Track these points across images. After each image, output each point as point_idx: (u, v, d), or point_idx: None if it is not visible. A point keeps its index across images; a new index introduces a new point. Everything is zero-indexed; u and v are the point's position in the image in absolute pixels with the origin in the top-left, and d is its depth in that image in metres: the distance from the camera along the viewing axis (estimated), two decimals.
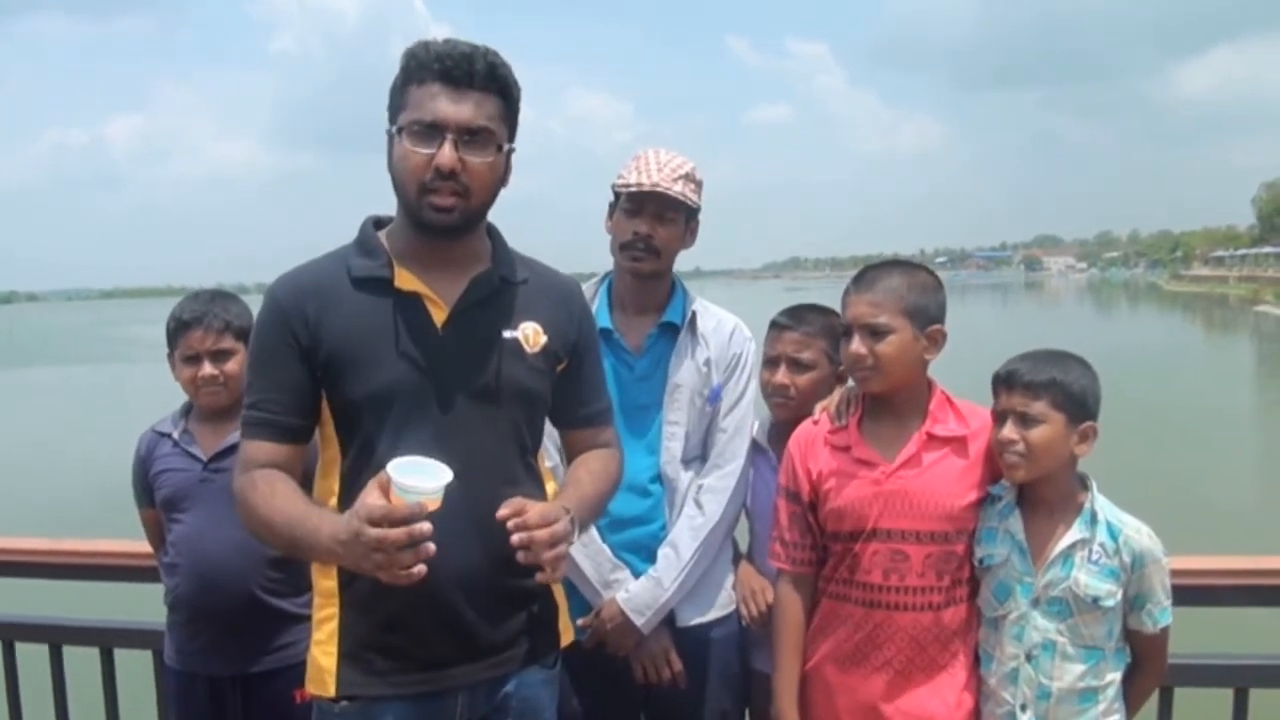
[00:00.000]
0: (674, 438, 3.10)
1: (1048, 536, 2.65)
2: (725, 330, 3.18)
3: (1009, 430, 2.61)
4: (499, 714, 2.42)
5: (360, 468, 2.29)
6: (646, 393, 3.09)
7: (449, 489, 2.03)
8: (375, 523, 1.97)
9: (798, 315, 3.14)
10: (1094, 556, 2.60)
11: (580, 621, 2.91)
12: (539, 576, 2.16)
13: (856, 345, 2.69)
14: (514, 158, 2.38)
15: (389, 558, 1.97)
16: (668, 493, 3.12)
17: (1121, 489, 2.76)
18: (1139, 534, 2.62)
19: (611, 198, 3.13)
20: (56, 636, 3.84)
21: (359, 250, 2.37)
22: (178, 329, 3.22)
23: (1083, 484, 2.69)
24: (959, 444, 2.74)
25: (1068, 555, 2.62)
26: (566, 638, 2.57)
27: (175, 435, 3.26)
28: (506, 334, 2.37)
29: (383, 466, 2.16)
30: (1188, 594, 2.96)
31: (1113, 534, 2.61)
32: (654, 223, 3.03)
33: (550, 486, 2.53)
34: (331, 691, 2.32)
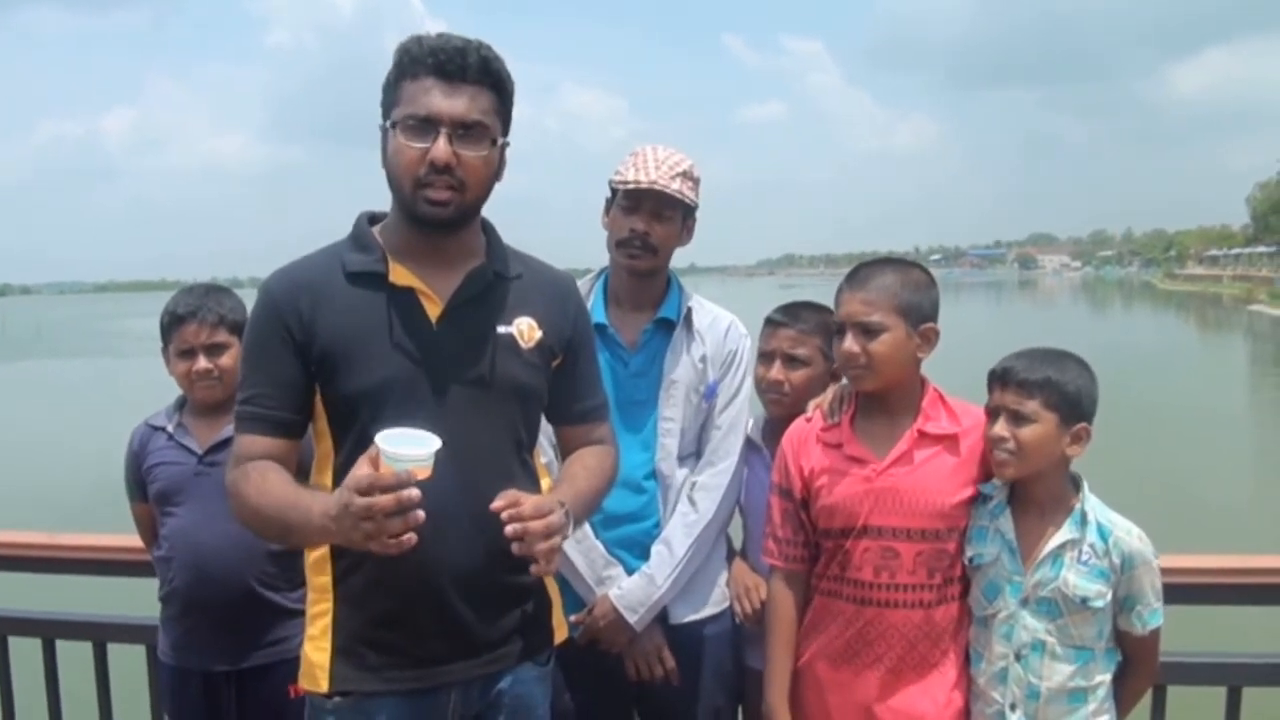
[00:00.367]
0: (669, 434, 3.10)
1: (1038, 536, 2.64)
2: (721, 327, 3.18)
3: (1000, 427, 2.61)
4: (492, 711, 2.42)
5: (354, 463, 2.28)
6: (641, 389, 3.09)
7: (438, 457, 2.01)
8: (363, 491, 1.94)
9: (793, 312, 3.14)
10: (1083, 557, 2.60)
11: (573, 618, 2.91)
12: (533, 569, 2.15)
13: (849, 343, 2.69)
14: (508, 153, 2.38)
15: (378, 525, 1.94)
16: (662, 489, 3.12)
17: (1114, 488, 2.77)
18: (1129, 535, 2.62)
19: (608, 193, 3.13)
20: (49, 631, 3.83)
21: (353, 245, 2.37)
22: (172, 323, 3.23)
23: (1075, 484, 2.68)
24: (951, 442, 2.74)
25: (1057, 555, 2.61)
26: (560, 635, 2.57)
27: (169, 429, 3.26)
28: (501, 329, 2.37)
29: None
30: (1181, 592, 2.97)
31: (1103, 535, 2.61)
32: (651, 220, 3.03)
33: (545, 483, 2.52)
34: (325, 687, 2.32)
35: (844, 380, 2.88)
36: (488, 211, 2.42)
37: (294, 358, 2.29)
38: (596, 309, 3.08)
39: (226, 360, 3.17)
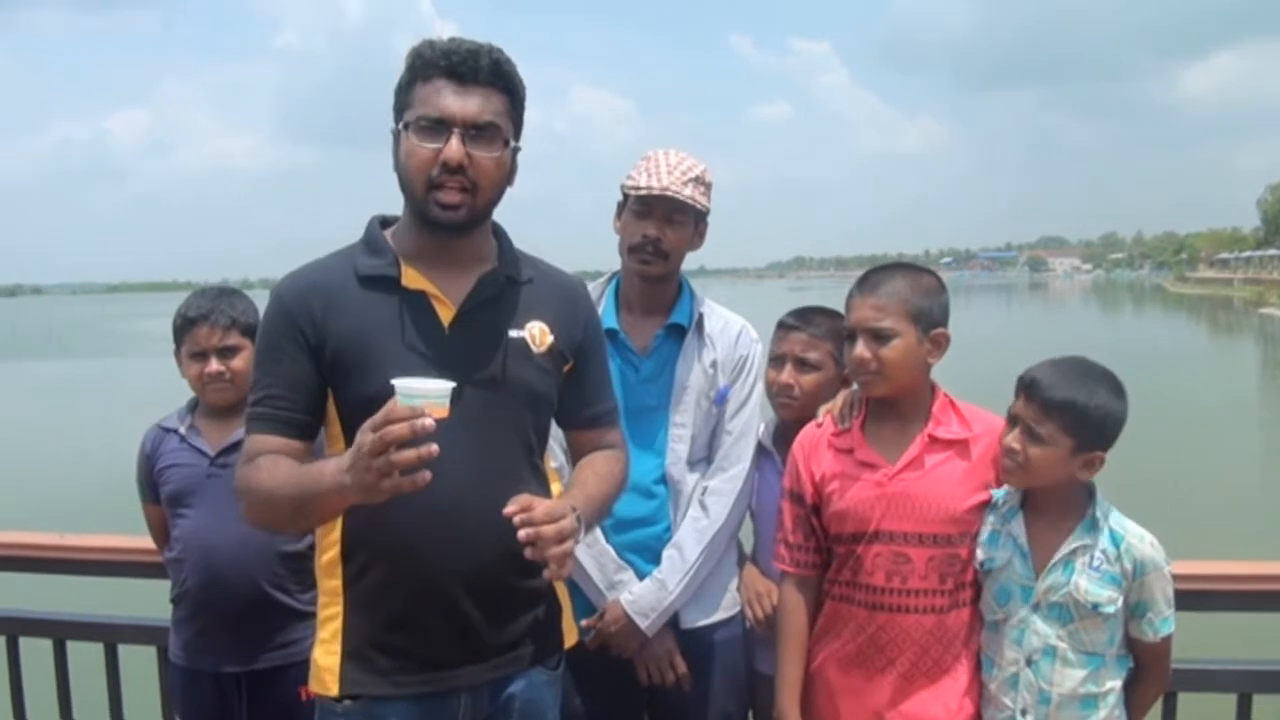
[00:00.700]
0: (680, 439, 3.10)
1: (1050, 541, 2.63)
2: (732, 332, 3.18)
3: (1013, 439, 2.59)
4: (502, 715, 2.42)
5: None
6: (652, 394, 3.09)
7: (453, 405, 1.98)
8: (377, 426, 1.91)
9: (805, 316, 3.14)
10: (1095, 562, 2.58)
11: (584, 623, 2.91)
12: (546, 573, 2.14)
13: (860, 349, 2.68)
14: (519, 157, 2.38)
15: (390, 460, 1.90)
16: (672, 494, 3.12)
17: (1124, 491, 2.75)
18: (1141, 542, 2.60)
19: (620, 197, 3.13)
20: (60, 632, 3.84)
21: (365, 249, 2.37)
22: (184, 326, 3.24)
23: (1088, 490, 2.66)
24: (961, 446, 2.73)
25: (1068, 560, 2.60)
26: (570, 639, 2.57)
27: (181, 430, 3.27)
28: (513, 333, 2.37)
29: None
30: (1192, 599, 2.96)
31: (1115, 541, 2.59)
32: (663, 226, 3.03)
33: (555, 487, 2.52)
34: (334, 691, 2.32)
35: (854, 386, 2.88)
36: (497, 214, 2.42)
37: (306, 360, 2.29)
38: (608, 314, 3.08)
39: (238, 363, 3.17)
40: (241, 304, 3.27)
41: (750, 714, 3.25)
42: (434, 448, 1.91)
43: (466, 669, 2.33)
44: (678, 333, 3.13)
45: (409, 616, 2.27)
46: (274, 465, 2.24)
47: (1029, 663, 2.62)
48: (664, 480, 3.11)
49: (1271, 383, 33.78)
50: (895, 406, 2.76)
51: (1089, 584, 2.57)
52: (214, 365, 3.19)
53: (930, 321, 2.70)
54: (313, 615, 2.44)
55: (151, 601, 3.76)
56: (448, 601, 2.24)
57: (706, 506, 3.08)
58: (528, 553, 2.10)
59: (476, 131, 2.23)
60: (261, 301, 2.58)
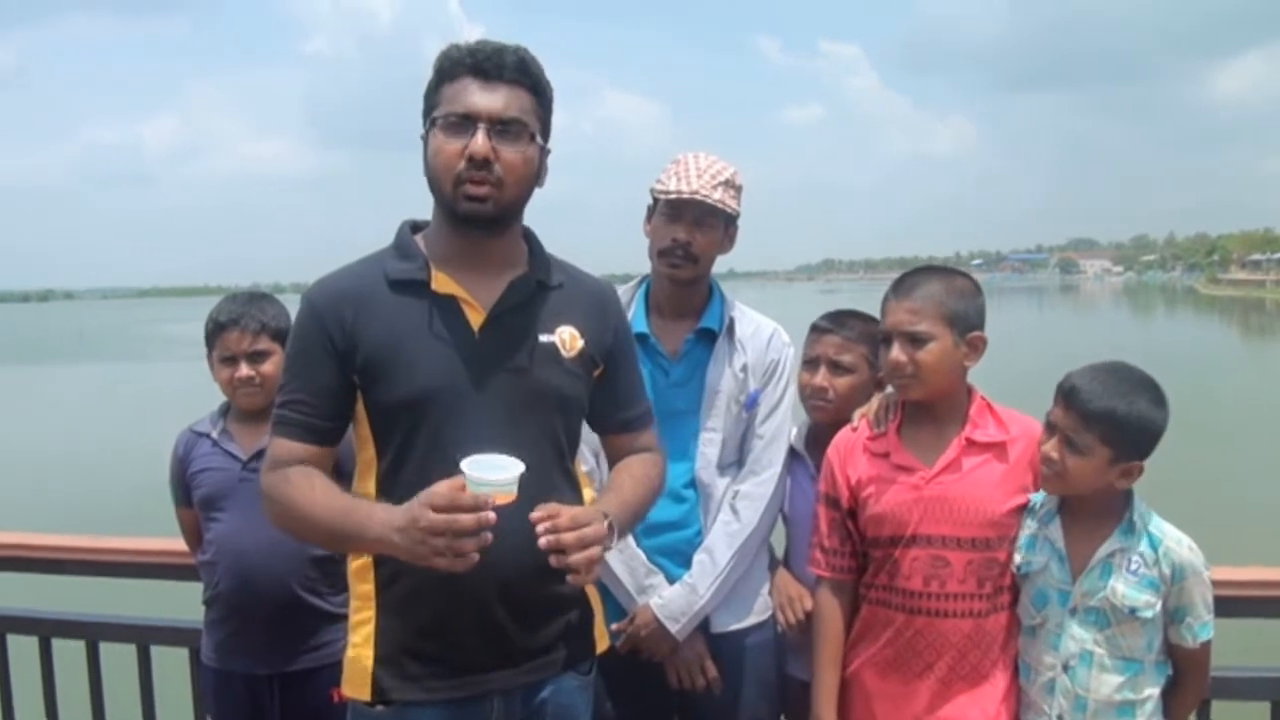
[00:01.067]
0: (710, 444, 3.09)
1: (1087, 545, 2.60)
2: (763, 336, 3.16)
3: (1051, 448, 2.57)
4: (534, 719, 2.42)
5: (397, 470, 2.30)
6: (683, 398, 3.07)
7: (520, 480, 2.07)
8: (440, 508, 1.99)
9: (839, 320, 3.12)
10: (1132, 566, 2.56)
11: (614, 627, 2.90)
12: (570, 578, 2.14)
13: (896, 353, 2.67)
14: (549, 160, 2.39)
15: (450, 543, 1.99)
16: (703, 499, 3.10)
17: (1159, 495, 2.72)
18: (1179, 545, 2.57)
19: (650, 201, 3.12)
20: (93, 633, 3.86)
21: (396, 253, 2.37)
22: (215, 330, 3.25)
23: (1126, 493, 2.63)
24: (999, 449, 2.71)
25: (1106, 565, 2.58)
26: (602, 644, 2.56)
27: (214, 435, 3.29)
28: (543, 338, 2.36)
29: (420, 470, 2.22)
30: (1227, 605, 2.93)
31: (1153, 544, 2.57)
32: (692, 229, 3.01)
33: (587, 491, 2.52)
34: (367, 695, 2.32)
35: (888, 389, 2.87)
36: (527, 217, 2.43)
37: (335, 367, 2.29)
38: (638, 318, 3.06)
39: (269, 367, 3.18)
40: (272, 309, 3.28)
41: (782, 718, 3.24)
42: (489, 537, 2.02)
43: (498, 674, 2.33)
44: (708, 337, 3.12)
45: (441, 622, 2.27)
46: (309, 484, 2.26)
47: (1066, 668, 2.60)
48: (694, 484, 3.09)
49: None
50: (931, 409, 2.75)
51: (1126, 588, 2.55)
52: (244, 370, 3.20)
53: (966, 325, 2.69)
54: (345, 618, 2.44)
55: (183, 603, 3.78)
56: (480, 607, 2.23)
57: (738, 511, 3.06)
58: (552, 560, 2.10)
59: (502, 127, 2.24)
60: (292, 307, 2.59)
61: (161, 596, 3.92)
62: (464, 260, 2.34)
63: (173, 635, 3.76)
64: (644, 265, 3.19)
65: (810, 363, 3.11)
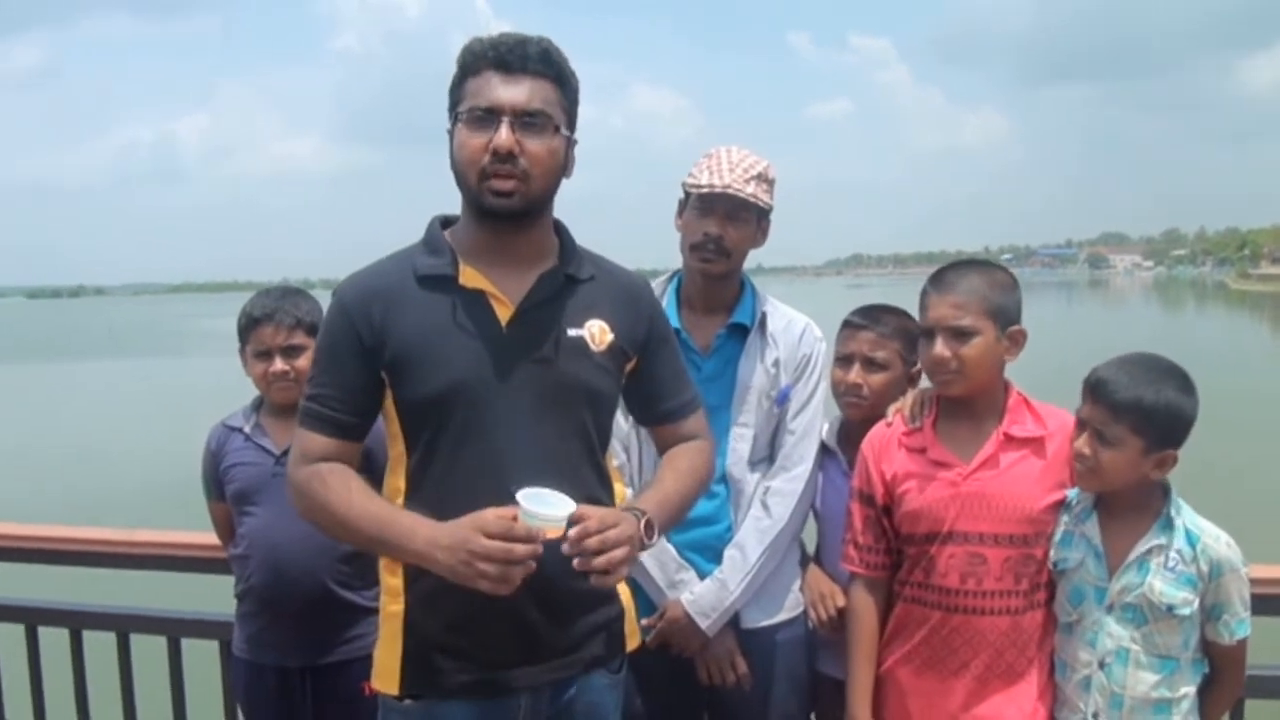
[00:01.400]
0: (742, 439, 3.07)
1: (1124, 541, 2.58)
2: (795, 331, 3.14)
3: (1083, 443, 2.55)
4: (563, 717, 2.41)
5: (426, 466, 2.30)
6: (714, 394, 3.04)
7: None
8: (492, 535, 2.04)
9: (872, 315, 3.09)
10: (1170, 563, 2.53)
11: (644, 622, 2.89)
12: (594, 580, 2.14)
13: (940, 348, 2.64)
14: (577, 151, 2.38)
15: (501, 571, 2.05)
16: (733, 494, 3.09)
17: (1193, 491, 2.70)
18: (1217, 542, 2.54)
19: (682, 195, 3.10)
20: (124, 625, 3.88)
21: (425, 249, 2.37)
22: (249, 325, 3.26)
23: (1163, 489, 2.61)
24: (1037, 445, 2.69)
25: (1143, 561, 2.55)
26: (633, 642, 2.55)
27: (246, 429, 3.30)
28: (572, 332, 2.35)
29: (449, 465, 2.25)
30: (1265, 603, 2.90)
31: (1191, 541, 2.54)
32: (725, 224, 3.00)
33: (618, 486, 2.51)
34: (396, 689, 2.33)
35: (921, 384, 2.85)
36: (557, 210, 2.42)
37: (363, 363, 2.29)
38: (669, 312, 3.04)
39: (303, 362, 3.18)
40: (306, 304, 3.28)
41: (812, 716, 3.22)
42: (534, 566, 2.08)
43: (527, 670, 2.33)
44: (740, 332, 3.10)
45: (470, 618, 2.26)
46: (345, 487, 2.27)
47: (1102, 665, 2.58)
48: (725, 480, 3.08)
49: None
50: (969, 405, 2.72)
51: (1164, 585, 2.52)
52: (278, 365, 3.21)
53: (1008, 318, 2.67)
54: (376, 611, 2.44)
55: (211, 596, 3.80)
56: (511, 603, 2.20)
57: (769, 506, 3.05)
58: (575, 563, 2.11)
59: (527, 119, 2.23)
60: (323, 302, 2.60)
61: (191, 589, 3.94)
62: (492, 254, 2.33)
63: (203, 628, 3.78)
64: (674, 260, 3.18)
65: (844, 359, 3.09)
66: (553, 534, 2.07)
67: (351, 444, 2.36)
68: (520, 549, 2.04)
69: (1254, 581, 2.65)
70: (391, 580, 2.36)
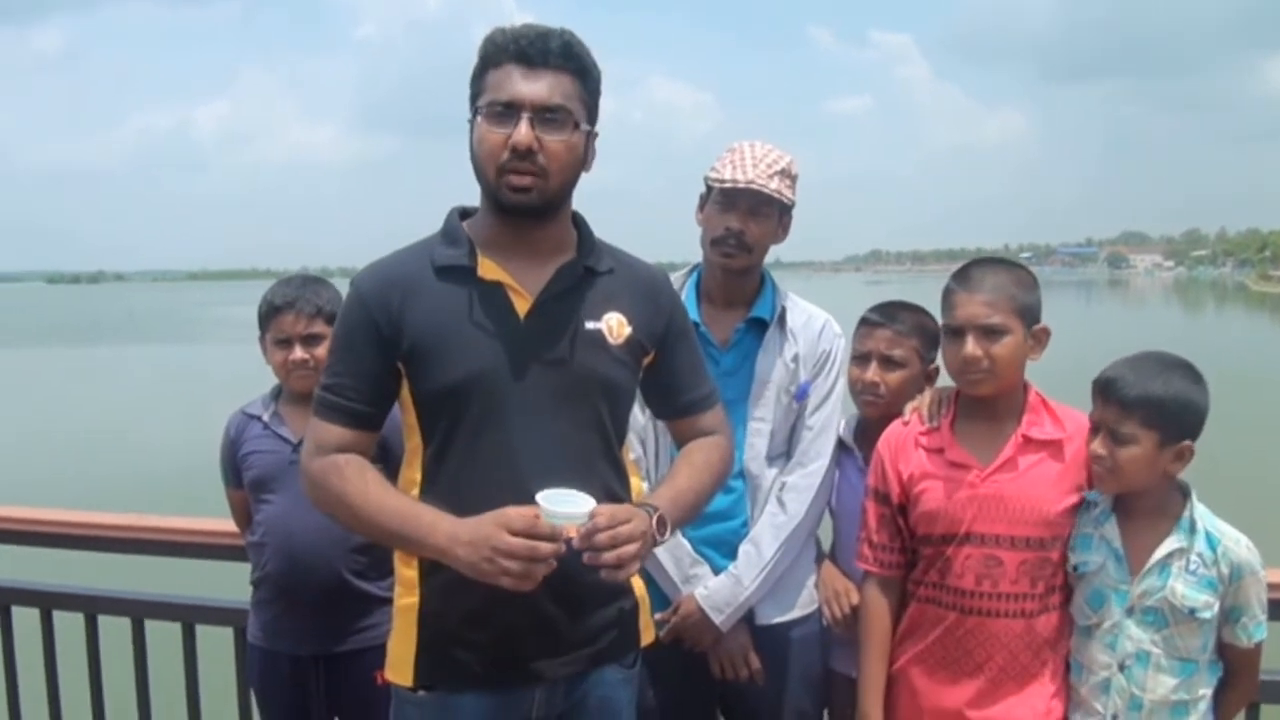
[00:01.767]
0: (759, 434, 3.06)
1: (1145, 544, 2.57)
2: (815, 326, 3.13)
3: (1099, 445, 2.54)
4: (576, 711, 2.41)
5: (442, 457, 2.29)
6: (732, 388, 3.03)
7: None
8: (516, 533, 2.05)
9: (889, 312, 3.07)
10: (1192, 566, 2.53)
11: (658, 616, 2.88)
12: (603, 574, 2.14)
13: (971, 348, 2.62)
14: (597, 143, 2.37)
15: (525, 568, 2.05)
16: (750, 489, 3.08)
17: (1210, 494, 2.68)
18: (1238, 545, 2.54)
19: (703, 189, 3.09)
20: (139, 611, 3.90)
21: (443, 240, 2.36)
22: (269, 313, 3.26)
23: (1182, 492, 2.61)
24: (1055, 447, 2.67)
25: (1165, 564, 2.54)
26: (647, 637, 2.55)
27: (265, 417, 3.30)
28: (589, 325, 2.34)
29: (465, 457, 2.24)
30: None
31: (1211, 544, 2.54)
32: (746, 219, 2.98)
33: (634, 480, 2.51)
34: (410, 680, 2.33)
35: (937, 383, 2.83)
36: (576, 203, 2.41)
37: (379, 354, 2.29)
38: (689, 306, 3.01)
39: (322, 351, 3.16)
40: (327, 292, 3.28)
41: (826, 713, 3.22)
42: (554, 564, 2.09)
43: (541, 663, 2.33)
44: (759, 326, 3.09)
45: (486, 610, 2.26)
46: (362, 480, 2.27)
47: (1121, 668, 2.57)
48: (742, 475, 3.06)
49: None
50: (989, 405, 2.71)
51: (1185, 588, 2.52)
52: (298, 353, 3.21)
53: (1033, 317, 2.65)
54: (391, 601, 2.45)
55: (226, 583, 3.80)
56: (526, 597, 2.18)
57: (784, 503, 3.04)
58: (585, 557, 2.11)
59: (547, 115, 2.21)
60: (341, 290, 2.59)
61: (207, 576, 3.95)
62: (511, 246, 2.33)
63: (218, 615, 3.79)
64: (694, 253, 3.17)
65: (861, 358, 3.07)
66: (574, 532, 2.08)
67: (367, 434, 2.35)
68: (545, 547, 2.05)
69: (1271, 586, 2.64)
70: (406, 572, 2.36)
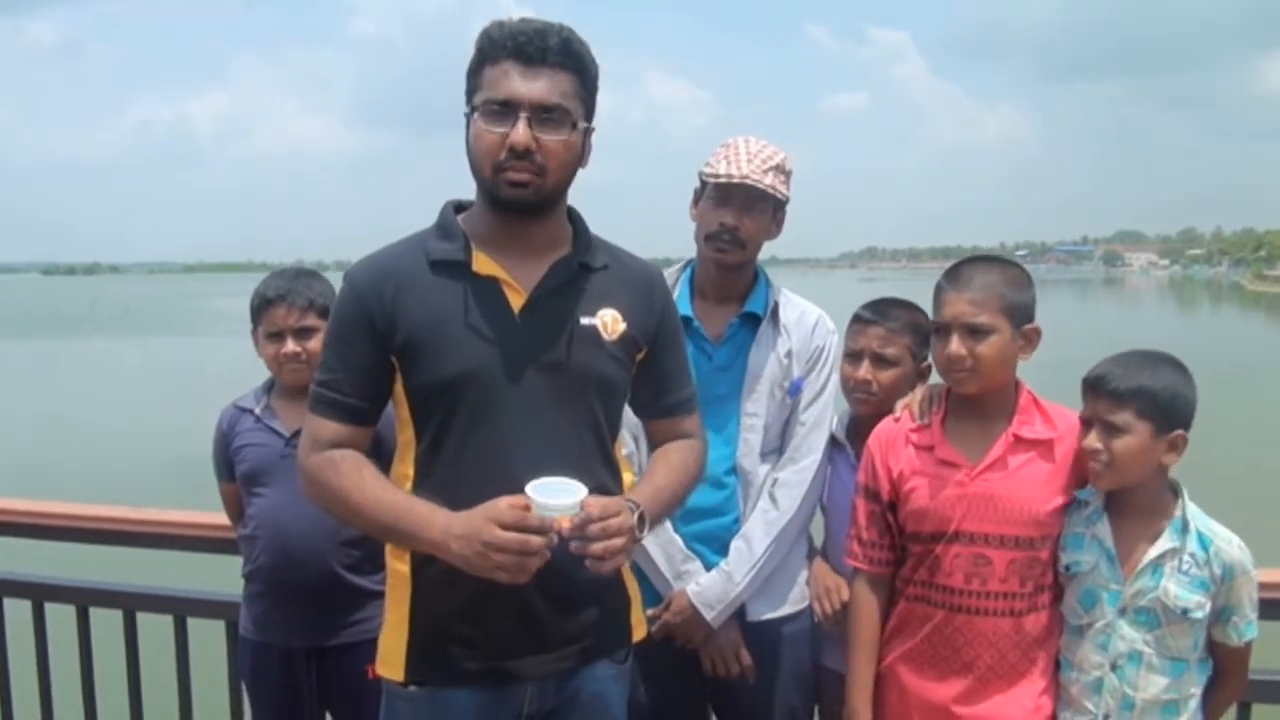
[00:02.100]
0: (752, 430, 3.06)
1: (1137, 544, 2.58)
2: (808, 322, 3.13)
3: (1093, 438, 2.54)
4: (568, 707, 2.41)
5: (435, 453, 2.29)
6: (725, 383, 3.04)
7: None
8: (506, 527, 2.04)
9: (882, 310, 3.07)
10: (1184, 566, 2.54)
11: (649, 612, 2.88)
12: (588, 564, 2.13)
13: (955, 346, 2.62)
14: (593, 138, 2.35)
15: (517, 561, 2.05)
16: (743, 485, 3.08)
17: (1201, 495, 2.69)
18: (1230, 545, 2.55)
19: (698, 184, 3.09)
20: (131, 603, 3.90)
21: (438, 234, 2.36)
22: (262, 306, 3.25)
23: (1174, 491, 2.61)
24: (1045, 447, 2.67)
25: (1157, 565, 2.55)
26: (639, 633, 2.55)
27: (257, 411, 3.29)
28: (584, 321, 2.34)
29: (458, 452, 2.23)
30: (1275, 608, 2.89)
31: (1203, 544, 2.54)
32: (741, 214, 2.98)
33: (627, 476, 2.50)
34: (401, 675, 2.33)
35: (930, 380, 2.83)
36: (571, 198, 2.40)
37: (373, 347, 2.29)
38: (682, 301, 3.03)
39: (315, 344, 3.16)
40: (319, 285, 3.28)
41: (816, 709, 3.22)
42: (549, 555, 2.09)
43: (533, 659, 2.33)
44: (752, 322, 3.09)
45: (476, 606, 2.26)
46: (359, 475, 2.27)
47: (1113, 667, 2.58)
48: (734, 471, 3.07)
49: None
50: (978, 403, 2.71)
51: (1178, 588, 2.52)
52: (290, 346, 3.20)
53: (1023, 316, 2.65)
54: (383, 595, 2.45)
55: (218, 576, 3.80)
56: (516, 592, 2.19)
57: (776, 498, 3.04)
58: (572, 546, 2.11)
59: (545, 114, 2.20)
60: (336, 284, 2.59)
61: (199, 569, 3.95)
62: (506, 242, 2.32)
63: (210, 608, 3.80)
64: (688, 250, 3.17)
65: (853, 355, 3.07)
66: (565, 522, 2.08)
67: (363, 429, 2.35)
68: (535, 540, 2.05)
69: (1263, 586, 2.65)
70: (398, 566, 2.36)
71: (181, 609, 3.85)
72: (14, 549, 4.11)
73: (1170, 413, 2.52)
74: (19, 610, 3.98)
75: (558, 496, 2.09)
